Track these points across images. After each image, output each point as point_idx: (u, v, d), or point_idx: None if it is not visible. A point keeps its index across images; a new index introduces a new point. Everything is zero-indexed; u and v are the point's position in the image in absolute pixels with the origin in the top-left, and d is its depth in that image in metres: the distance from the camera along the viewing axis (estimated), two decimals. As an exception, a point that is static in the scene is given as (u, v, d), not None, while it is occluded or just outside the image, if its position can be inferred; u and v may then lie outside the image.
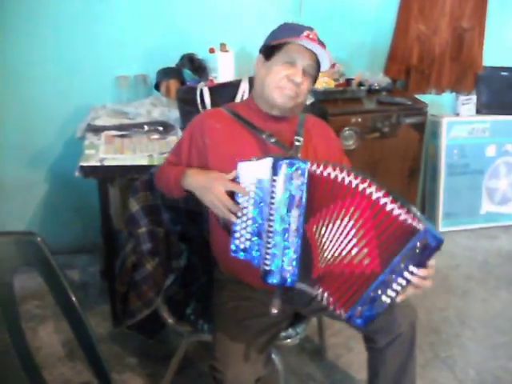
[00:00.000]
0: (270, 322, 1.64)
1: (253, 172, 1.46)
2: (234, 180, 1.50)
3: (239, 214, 1.48)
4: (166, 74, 2.70)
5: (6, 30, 2.62)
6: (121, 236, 2.23)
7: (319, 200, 1.38)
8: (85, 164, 2.13)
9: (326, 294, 1.39)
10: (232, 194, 1.50)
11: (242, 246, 1.49)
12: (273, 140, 1.62)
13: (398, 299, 1.33)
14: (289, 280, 1.42)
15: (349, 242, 1.35)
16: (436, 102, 3.33)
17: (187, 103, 2.36)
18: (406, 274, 1.31)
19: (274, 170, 1.39)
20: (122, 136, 2.38)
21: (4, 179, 2.87)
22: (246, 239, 1.48)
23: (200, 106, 2.35)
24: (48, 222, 2.99)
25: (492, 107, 3.43)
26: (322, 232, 1.38)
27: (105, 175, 2.18)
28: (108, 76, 2.76)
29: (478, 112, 3.45)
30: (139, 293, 1.83)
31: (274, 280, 1.43)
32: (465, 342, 2.47)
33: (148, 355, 2.30)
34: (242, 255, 1.50)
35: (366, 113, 2.75)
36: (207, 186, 1.53)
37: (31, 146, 2.84)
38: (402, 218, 1.28)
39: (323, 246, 1.38)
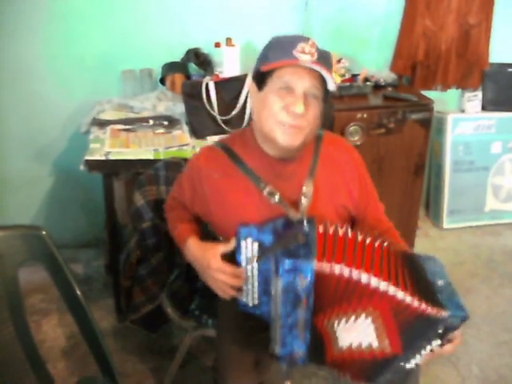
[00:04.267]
0: None
1: (255, 238, 1.34)
2: (234, 247, 1.37)
3: (244, 279, 1.38)
4: (171, 68, 2.70)
5: (12, 24, 2.62)
6: (125, 230, 2.23)
7: (330, 297, 1.25)
8: (90, 158, 2.13)
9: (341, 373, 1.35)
10: (233, 255, 1.38)
11: (250, 304, 1.41)
12: (276, 199, 1.40)
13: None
14: (300, 361, 1.36)
15: (367, 335, 1.26)
16: (441, 98, 3.31)
17: (193, 97, 2.36)
18: (428, 347, 1.24)
19: (276, 268, 1.24)
20: (127, 130, 2.39)
21: (9, 173, 2.87)
22: (254, 298, 1.40)
23: (205, 101, 2.34)
24: (53, 216, 2.99)
25: (498, 104, 3.40)
26: (335, 325, 1.28)
27: (110, 169, 2.18)
28: (113, 70, 2.76)
29: (484, 109, 3.42)
30: (143, 287, 1.84)
31: (284, 363, 1.38)
32: (469, 340, 2.47)
33: (151, 349, 2.31)
34: (250, 310, 1.42)
35: (372, 108, 2.74)
36: (204, 268, 1.43)
37: (37, 141, 2.84)
38: (423, 308, 1.17)
39: (337, 337, 1.29)
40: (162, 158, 2.16)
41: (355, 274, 1.19)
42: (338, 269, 1.20)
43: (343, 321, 1.26)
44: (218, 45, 2.71)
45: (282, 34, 1.41)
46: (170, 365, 2.04)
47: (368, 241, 1.30)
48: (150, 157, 2.17)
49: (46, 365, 1.48)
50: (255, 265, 1.34)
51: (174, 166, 2.02)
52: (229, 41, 2.66)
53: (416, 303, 1.17)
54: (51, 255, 1.37)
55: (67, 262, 1.39)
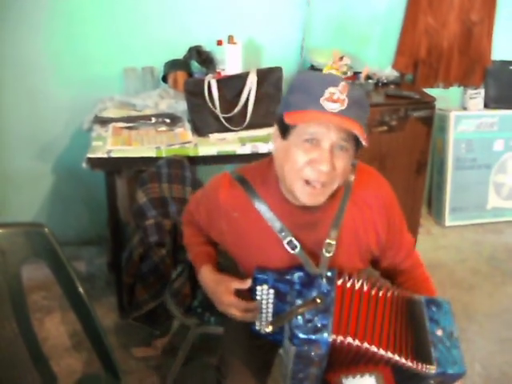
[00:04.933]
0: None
1: (271, 285, 1.33)
2: (250, 287, 1.36)
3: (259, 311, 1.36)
4: (173, 65, 2.71)
5: (14, 22, 2.62)
6: (128, 228, 2.24)
7: (341, 360, 1.27)
8: (92, 156, 2.13)
9: None
10: (249, 291, 1.36)
11: (262, 332, 1.38)
12: (296, 251, 1.32)
13: None
14: None
15: None
16: (444, 95, 3.30)
17: (195, 95, 2.36)
18: None
19: (292, 335, 1.20)
20: (129, 128, 2.39)
21: (12, 170, 2.88)
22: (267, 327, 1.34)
23: (208, 99, 2.34)
24: (55, 213, 2.99)
25: (500, 101, 3.40)
26: (343, 379, 1.31)
27: (112, 167, 2.18)
28: (116, 68, 2.76)
29: (486, 106, 3.42)
30: (146, 285, 1.84)
31: None
32: (471, 337, 2.47)
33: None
34: (263, 334, 1.38)
35: (374, 106, 2.73)
36: (217, 297, 1.41)
37: (39, 138, 2.85)
38: (413, 365, 1.23)
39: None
40: (164, 155, 2.16)
41: (366, 345, 1.21)
42: (352, 341, 1.21)
43: (350, 377, 1.29)
44: (219, 42, 2.71)
45: (309, 73, 1.34)
46: (172, 362, 2.05)
47: (380, 294, 1.31)
48: (152, 154, 2.17)
49: (49, 362, 1.49)
50: (270, 297, 1.32)
51: (176, 163, 2.03)
52: (231, 38, 2.66)
53: (409, 362, 1.22)
54: (54, 252, 1.37)
55: (69, 260, 1.39)
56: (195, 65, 2.78)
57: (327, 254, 1.31)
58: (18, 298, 1.37)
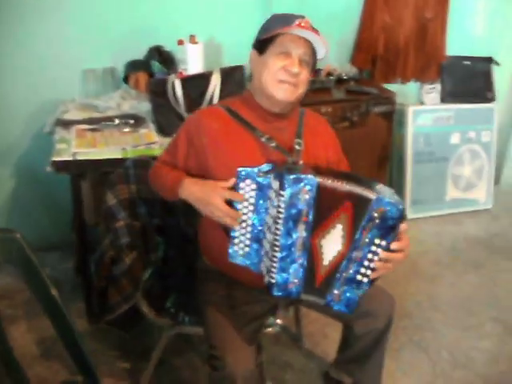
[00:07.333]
0: (259, 310, 1.66)
1: (254, 179, 1.44)
2: (233, 187, 1.47)
3: (239, 221, 1.47)
4: (134, 66, 2.68)
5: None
6: (92, 231, 2.20)
7: (322, 212, 1.40)
8: (57, 159, 2.09)
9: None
10: (231, 202, 1.47)
11: (240, 252, 1.50)
12: (273, 144, 1.56)
13: (375, 275, 1.40)
14: (294, 292, 1.44)
15: (339, 242, 1.41)
16: (401, 91, 3.37)
17: (159, 95, 2.34)
18: (373, 248, 1.38)
19: (282, 185, 1.37)
20: (92, 130, 2.35)
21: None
22: (245, 245, 1.49)
23: (172, 98, 2.33)
24: (14, 218, 2.91)
25: (456, 96, 3.50)
26: (322, 243, 1.42)
27: (77, 170, 2.14)
28: (75, 69, 2.71)
29: (443, 101, 3.52)
30: (118, 287, 1.82)
31: (279, 293, 1.44)
32: (437, 325, 2.54)
33: (126, 350, 2.28)
34: (240, 260, 1.50)
35: (336, 103, 2.78)
36: (204, 198, 1.50)
37: (-3, 141, 2.77)
38: (360, 193, 1.36)
39: (323, 255, 1.43)
40: (130, 156, 2.14)
41: (338, 184, 1.37)
42: (332, 184, 1.37)
43: (327, 235, 1.40)
44: (180, 42, 2.69)
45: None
46: (145, 365, 2.03)
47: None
48: (119, 156, 2.14)
49: (23, 370, 1.45)
50: (253, 188, 1.45)
51: (144, 163, 2.01)
52: (192, 38, 2.65)
53: (357, 190, 1.36)
54: (26, 258, 1.33)
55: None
56: (156, 65, 2.74)
57: (298, 147, 1.58)
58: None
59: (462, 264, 3.07)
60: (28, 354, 2.25)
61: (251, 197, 1.45)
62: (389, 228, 1.36)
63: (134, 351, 2.27)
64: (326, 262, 1.42)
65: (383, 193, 1.37)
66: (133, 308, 1.86)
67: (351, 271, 1.41)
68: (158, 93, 2.35)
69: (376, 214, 1.34)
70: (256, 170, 1.44)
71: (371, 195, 1.34)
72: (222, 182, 1.50)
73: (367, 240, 1.37)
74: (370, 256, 1.39)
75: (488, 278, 2.94)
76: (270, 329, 1.79)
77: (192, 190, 1.54)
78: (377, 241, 1.37)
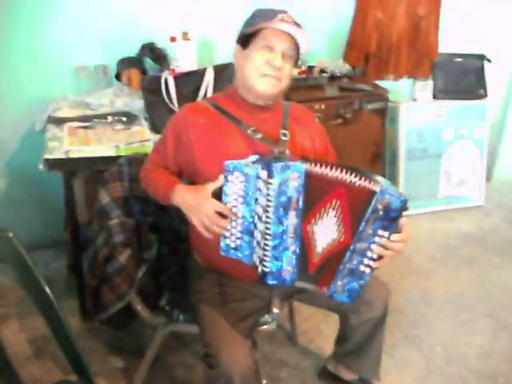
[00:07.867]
0: (253, 306, 1.66)
1: (242, 171, 1.44)
2: (223, 183, 1.46)
3: (228, 229, 1.47)
4: (126, 63, 2.67)
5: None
6: (85, 230, 2.18)
7: (312, 199, 1.41)
8: (49, 157, 2.07)
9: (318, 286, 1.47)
10: (219, 194, 1.47)
11: (232, 245, 1.49)
12: (259, 136, 1.58)
13: (376, 265, 1.41)
14: (288, 280, 1.45)
15: (333, 230, 1.42)
16: (394, 88, 3.38)
17: (152, 93, 2.34)
18: (376, 239, 1.38)
19: (270, 173, 1.38)
20: (85, 127, 2.34)
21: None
22: (237, 238, 1.49)
23: (165, 96, 2.32)
24: (6, 217, 2.88)
25: (448, 92, 3.51)
26: (314, 230, 1.43)
27: (70, 167, 2.13)
28: (67, 66, 2.69)
29: (435, 97, 3.53)
30: (112, 286, 1.80)
31: (273, 281, 1.45)
32: (430, 321, 2.54)
33: (119, 349, 2.27)
34: (232, 254, 1.50)
35: (329, 99, 2.78)
36: (196, 206, 1.50)
37: (-13, 140, 2.74)
38: (362, 185, 1.36)
39: (316, 242, 1.44)
40: (123, 154, 2.12)
41: (328, 171, 1.39)
42: (321, 170, 1.39)
43: (319, 221, 1.42)
44: (173, 39, 2.69)
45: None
46: (138, 364, 2.02)
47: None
48: (112, 153, 2.13)
49: (16, 370, 1.44)
50: (242, 180, 1.44)
51: (138, 161, 1.99)
52: (184, 35, 2.64)
53: (359, 182, 1.36)
54: (20, 257, 1.32)
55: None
56: (148, 62, 2.74)
57: (284, 138, 1.61)
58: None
59: (455, 260, 3.08)
60: (20, 353, 2.24)
61: (240, 189, 1.45)
62: (392, 219, 1.37)
63: (127, 350, 2.26)
64: (319, 249, 1.44)
65: (386, 185, 1.37)
66: (126, 307, 1.85)
67: (355, 262, 1.42)
68: (152, 90, 2.34)
69: (380, 206, 1.35)
70: (243, 162, 1.44)
71: (375, 187, 1.35)
72: (211, 183, 1.49)
73: (371, 231, 1.38)
74: (373, 247, 1.40)
75: (481, 274, 2.95)
76: (265, 326, 1.78)
77: (184, 197, 1.54)
78: (380, 232, 1.38)
